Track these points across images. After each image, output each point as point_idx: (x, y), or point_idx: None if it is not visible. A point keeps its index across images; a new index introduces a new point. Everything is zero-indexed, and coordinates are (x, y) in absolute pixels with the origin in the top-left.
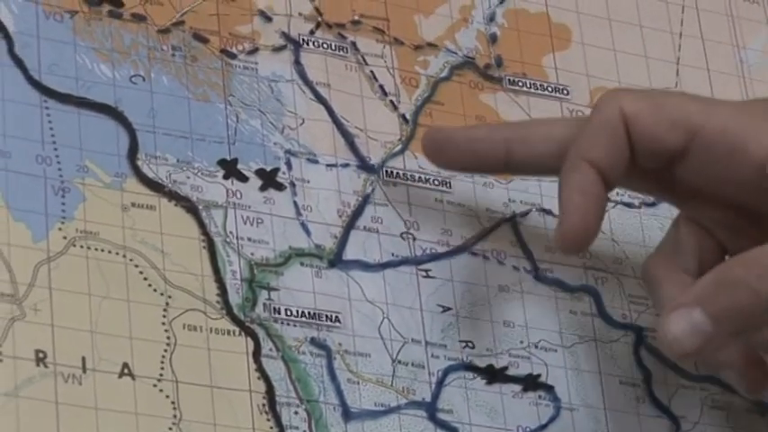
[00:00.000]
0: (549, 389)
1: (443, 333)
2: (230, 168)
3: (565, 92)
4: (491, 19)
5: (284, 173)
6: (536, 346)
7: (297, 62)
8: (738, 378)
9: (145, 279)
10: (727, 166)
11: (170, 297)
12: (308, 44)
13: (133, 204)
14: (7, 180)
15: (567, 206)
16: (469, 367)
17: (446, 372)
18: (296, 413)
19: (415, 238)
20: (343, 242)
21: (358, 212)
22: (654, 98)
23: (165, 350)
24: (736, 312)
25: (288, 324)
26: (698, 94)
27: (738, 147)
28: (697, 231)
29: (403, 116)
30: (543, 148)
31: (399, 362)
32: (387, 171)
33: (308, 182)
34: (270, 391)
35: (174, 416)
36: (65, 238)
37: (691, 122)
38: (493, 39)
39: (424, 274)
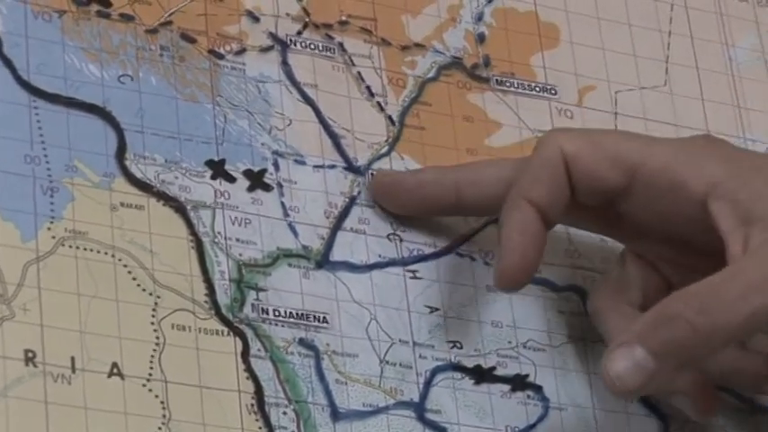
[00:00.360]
0: (538, 389)
1: (431, 333)
2: (218, 169)
3: (553, 91)
4: (479, 18)
5: (271, 174)
6: (524, 346)
7: (284, 63)
8: (690, 404)
9: (134, 279)
10: (669, 203)
11: (159, 297)
12: (295, 45)
13: (122, 204)
14: None
15: (507, 245)
16: (457, 367)
17: (434, 372)
18: (284, 413)
19: (401, 240)
20: (330, 243)
21: (345, 214)
22: (592, 137)
23: (155, 350)
24: (676, 348)
25: (276, 324)
26: (687, 92)
27: (678, 183)
28: (642, 266)
29: (389, 117)
30: (492, 190)
31: (387, 362)
32: (373, 172)
33: (296, 183)
34: (258, 392)
35: (164, 416)
36: (54, 237)
37: (630, 161)
38: (481, 38)
39: (411, 275)
